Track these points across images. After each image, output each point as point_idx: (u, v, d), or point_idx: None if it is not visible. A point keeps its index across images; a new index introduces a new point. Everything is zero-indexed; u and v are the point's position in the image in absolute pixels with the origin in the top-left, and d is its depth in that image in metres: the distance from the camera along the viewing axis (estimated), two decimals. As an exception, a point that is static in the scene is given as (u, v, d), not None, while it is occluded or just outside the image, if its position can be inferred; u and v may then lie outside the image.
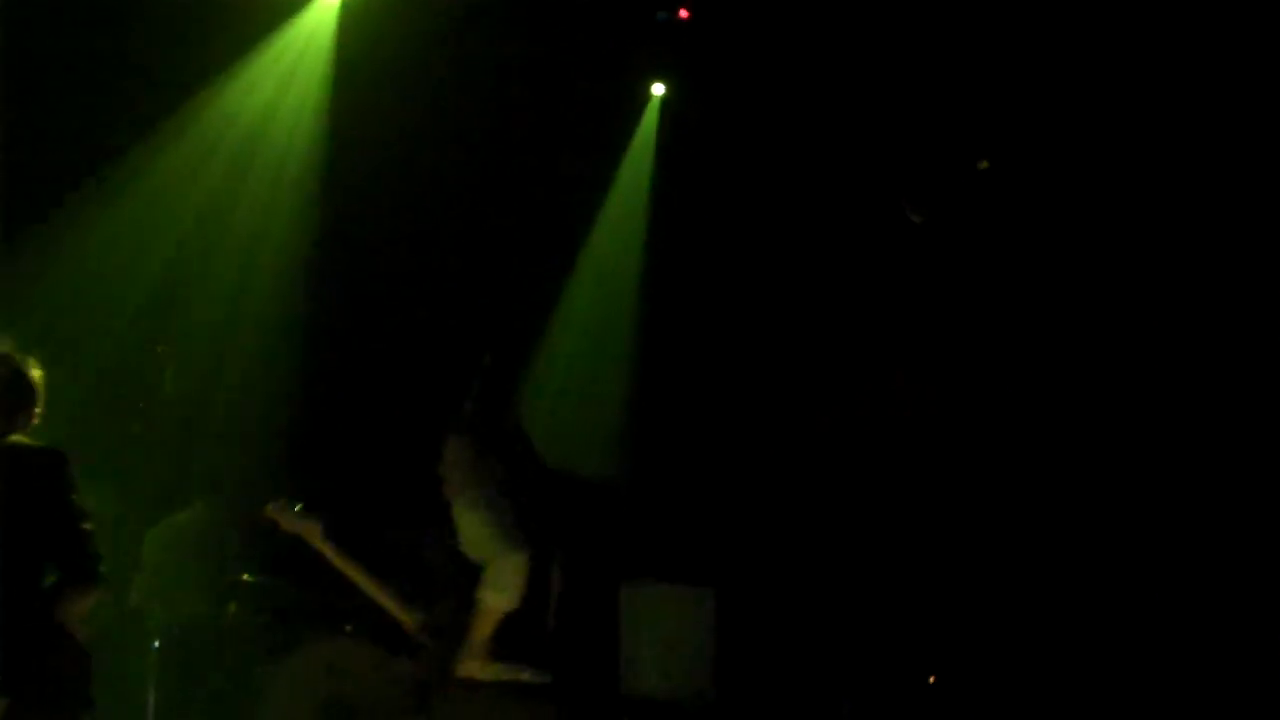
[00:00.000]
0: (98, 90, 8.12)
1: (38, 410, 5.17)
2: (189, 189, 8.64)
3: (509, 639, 5.06)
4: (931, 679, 9.27)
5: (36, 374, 5.17)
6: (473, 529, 5.08)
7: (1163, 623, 8.70)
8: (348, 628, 7.35)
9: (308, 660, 7.33)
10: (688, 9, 9.57)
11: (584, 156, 9.66)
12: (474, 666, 5.06)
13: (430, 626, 5.33)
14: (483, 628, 5.04)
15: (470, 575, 5.07)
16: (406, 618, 5.47)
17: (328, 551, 5.53)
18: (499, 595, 5.02)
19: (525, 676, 5.11)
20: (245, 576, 7.57)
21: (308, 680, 7.28)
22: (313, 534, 5.55)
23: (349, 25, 8.89)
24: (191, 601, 7.53)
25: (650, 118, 9.99)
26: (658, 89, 10.02)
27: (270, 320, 8.84)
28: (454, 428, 5.34)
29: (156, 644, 7.36)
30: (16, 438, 5.12)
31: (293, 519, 5.62)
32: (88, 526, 5.07)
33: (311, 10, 8.90)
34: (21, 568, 4.98)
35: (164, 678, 7.40)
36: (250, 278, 8.90)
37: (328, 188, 8.99)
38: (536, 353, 9.74)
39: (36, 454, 5.13)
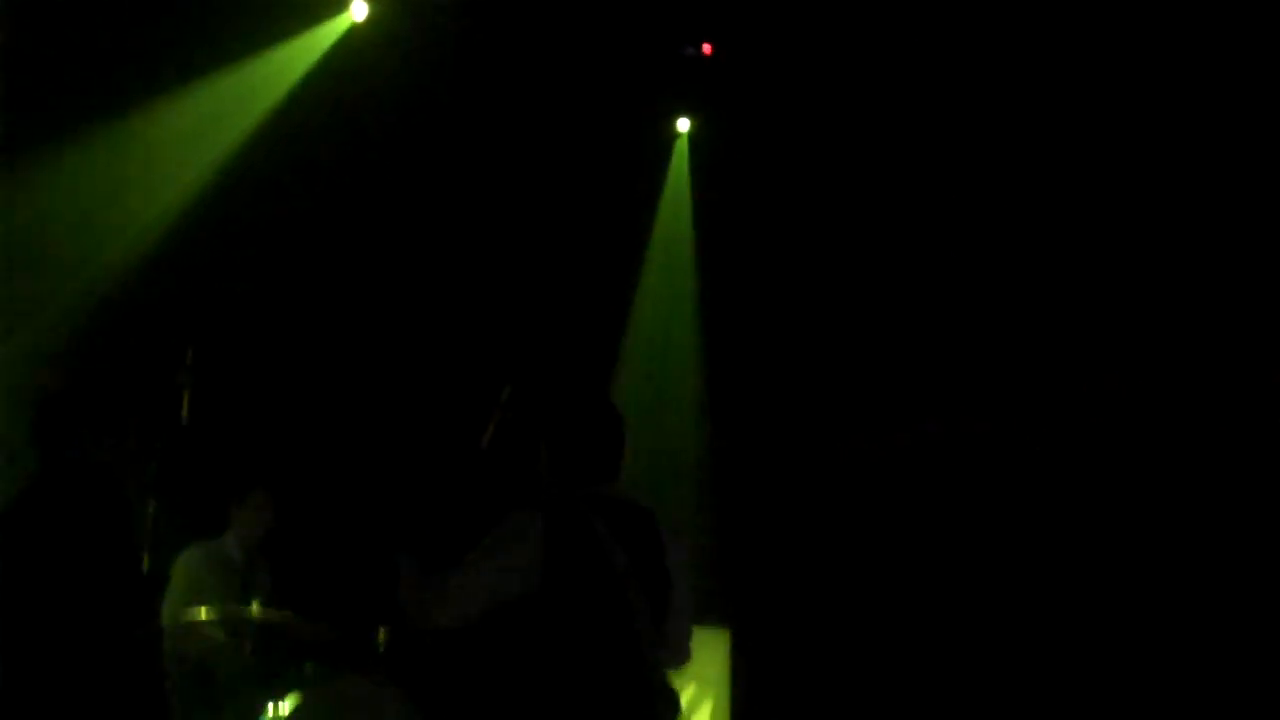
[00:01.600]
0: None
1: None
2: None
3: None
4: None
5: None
6: None
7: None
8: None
9: (319, 698, 7.28)
10: (710, 44, 9.55)
11: (616, 199, 9.62)
12: None
13: None
14: None
15: None
16: None
17: None
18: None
19: None
20: (256, 609, 7.48)
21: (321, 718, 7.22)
22: None
23: (358, 67, 8.77)
24: (207, 633, 7.44)
25: (680, 154, 9.96)
26: (683, 125, 10.00)
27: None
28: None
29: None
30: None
31: None
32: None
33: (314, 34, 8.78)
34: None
35: (176, 710, 7.33)
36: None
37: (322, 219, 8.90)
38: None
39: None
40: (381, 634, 7.58)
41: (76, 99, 8.02)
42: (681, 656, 5.01)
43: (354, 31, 8.76)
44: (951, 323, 9.68)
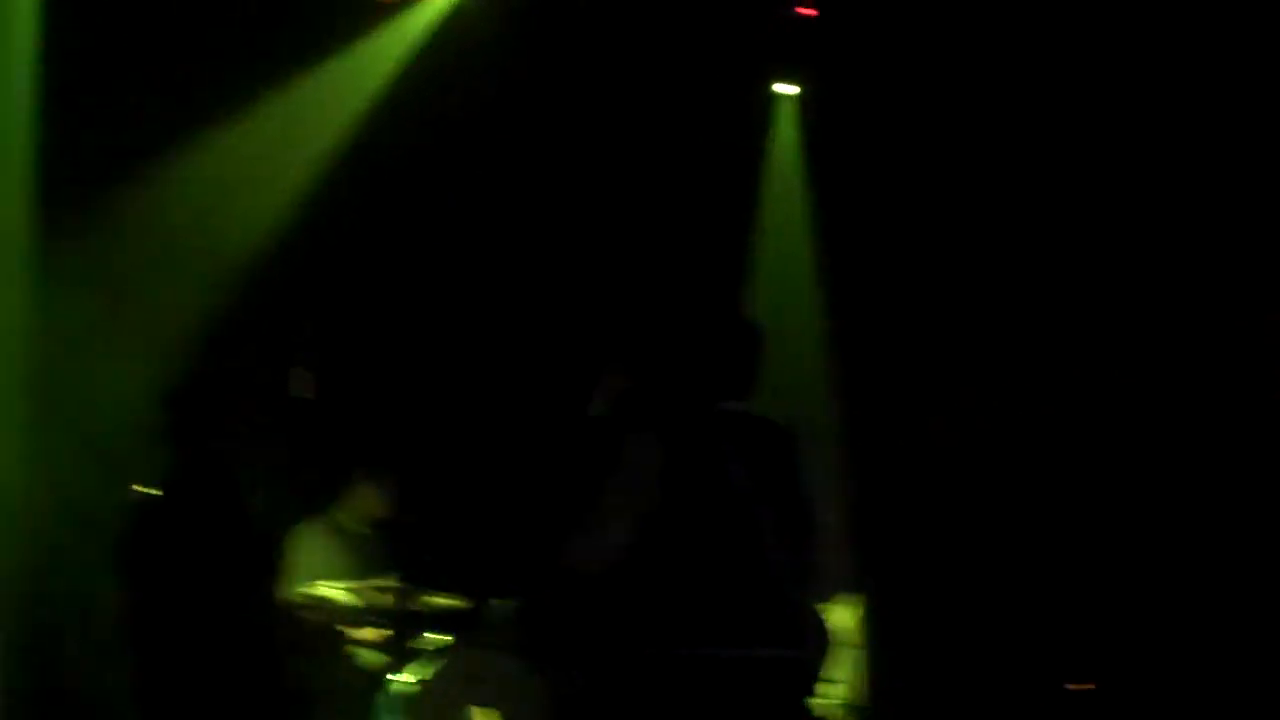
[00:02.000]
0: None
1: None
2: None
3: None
4: (1071, 686, 9.13)
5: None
6: None
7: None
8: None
9: (446, 668, 7.31)
10: (813, 6, 9.44)
11: (723, 169, 9.52)
12: None
13: None
14: None
15: None
16: None
17: None
18: None
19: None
20: (382, 582, 7.53)
21: (448, 689, 7.25)
22: None
23: (450, 43, 8.70)
24: (334, 605, 7.48)
25: (786, 120, 9.86)
26: (785, 89, 9.87)
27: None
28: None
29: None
30: None
31: None
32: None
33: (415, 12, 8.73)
34: None
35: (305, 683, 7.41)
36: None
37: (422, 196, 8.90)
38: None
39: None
40: (507, 604, 7.62)
41: (189, 101, 8.08)
42: (827, 583, 4.68)
43: (457, 4, 8.75)
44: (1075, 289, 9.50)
